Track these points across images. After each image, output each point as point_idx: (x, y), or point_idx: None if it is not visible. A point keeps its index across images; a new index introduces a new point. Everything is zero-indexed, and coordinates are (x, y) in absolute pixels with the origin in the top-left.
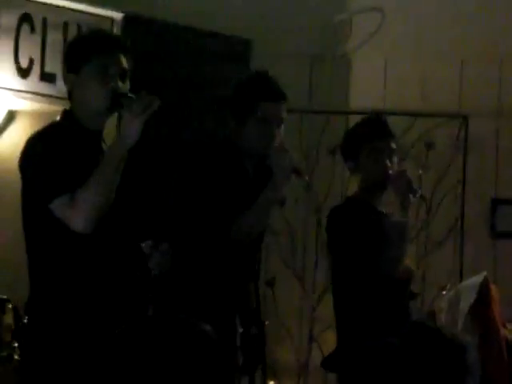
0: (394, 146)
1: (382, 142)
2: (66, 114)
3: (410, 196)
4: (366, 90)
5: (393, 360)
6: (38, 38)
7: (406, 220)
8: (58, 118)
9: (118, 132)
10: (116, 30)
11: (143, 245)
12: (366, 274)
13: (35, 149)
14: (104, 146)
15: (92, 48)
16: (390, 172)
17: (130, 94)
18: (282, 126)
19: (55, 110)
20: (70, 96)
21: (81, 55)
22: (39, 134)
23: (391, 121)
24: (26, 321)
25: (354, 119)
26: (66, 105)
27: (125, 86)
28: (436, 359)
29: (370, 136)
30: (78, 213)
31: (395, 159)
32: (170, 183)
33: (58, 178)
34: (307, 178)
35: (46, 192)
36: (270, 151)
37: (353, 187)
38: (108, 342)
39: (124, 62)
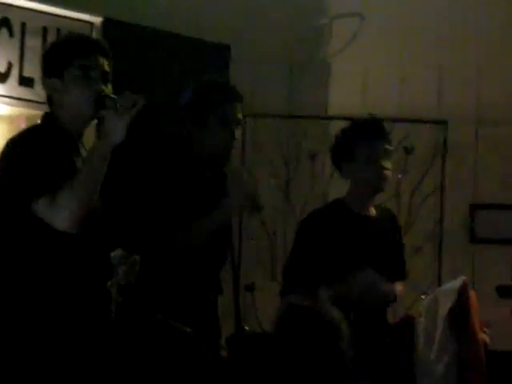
0: (389, 148)
1: (379, 144)
2: (46, 117)
3: None
4: (346, 94)
5: (269, 348)
6: (16, 43)
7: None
8: (39, 121)
9: (99, 132)
10: (95, 35)
11: (112, 255)
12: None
13: (15, 150)
14: (82, 150)
15: (73, 51)
16: (387, 174)
17: (113, 96)
18: (239, 128)
19: (34, 115)
20: (50, 100)
21: (61, 59)
22: (19, 137)
23: None
24: None
25: (334, 124)
26: (45, 109)
27: (107, 89)
28: (310, 339)
29: (366, 138)
30: (62, 211)
31: (390, 160)
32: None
33: (40, 178)
34: (262, 214)
35: (28, 192)
36: (229, 169)
37: (334, 192)
38: (75, 343)
39: (105, 65)
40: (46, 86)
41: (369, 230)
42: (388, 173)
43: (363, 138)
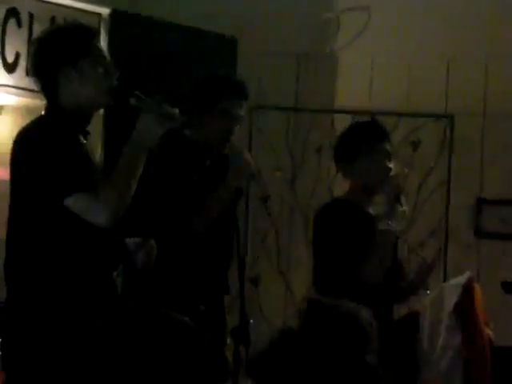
0: (390, 148)
1: (381, 143)
2: (51, 108)
3: (397, 206)
4: (353, 88)
5: (293, 345)
6: (24, 33)
7: (391, 229)
8: (43, 112)
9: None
10: (103, 26)
11: (128, 242)
12: (348, 278)
13: (38, 145)
14: (82, 139)
15: (87, 39)
16: (390, 174)
17: (141, 95)
18: (238, 125)
19: (41, 105)
20: (52, 89)
21: (78, 47)
22: (38, 130)
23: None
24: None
25: (340, 118)
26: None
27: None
28: (336, 335)
29: (369, 138)
30: (106, 208)
31: (392, 162)
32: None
33: (73, 174)
34: (263, 185)
35: (62, 188)
36: (228, 149)
37: (339, 185)
38: (91, 335)
39: (105, 50)
40: (51, 75)
41: (373, 226)
42: (391, 173)
43: (365, 137)
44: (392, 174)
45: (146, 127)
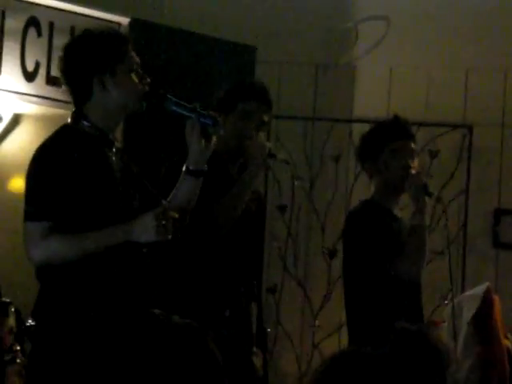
0: (414, 146)
1: (404, 142)
2: (77, 115)
3: (426, 198)
4: (371, 98)
5: (382, 368)
6: (44, 42)
7: (422, 224)
8: (69, 120)
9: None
10: None
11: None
12: (381, 280)
13: (39, 158)
14: (108, 152)
15: (123, 46)
16: (412, 172)
17: (171, 97)
18: (262, 129)
19: (60, 114)
20: (83, 98)
21: (114, 54)
22: (49, 142)
23: None
24: (31, 323)
25: (358, 127)
26: (72, 109)
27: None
28: (421, 364)
29: (392, 136)
30: (41, 250)
31: (416, 160)
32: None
33: (44, 200)
34: (285, 158)
35: (27, 208)
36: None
37: (356, 194)
38: (116, 343)
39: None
40: (86, 83)
41: (401, 229)
42: (413, 171)
43: (388, 136)
44: (413, 172)
45: (147, 229)
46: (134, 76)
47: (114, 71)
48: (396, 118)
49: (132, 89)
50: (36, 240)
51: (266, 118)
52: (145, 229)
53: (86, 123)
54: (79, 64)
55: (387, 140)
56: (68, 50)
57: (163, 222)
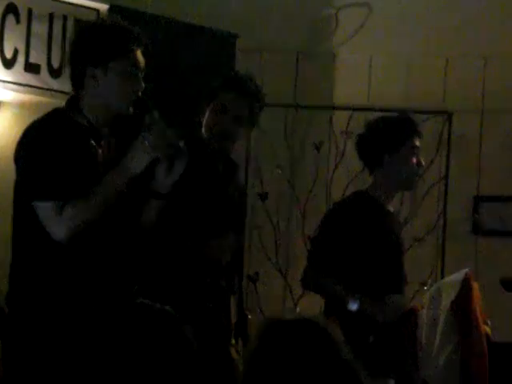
0: (418, 144)
1: (418, 140)
2: (71, 102)
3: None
4: (351, 85)
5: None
6: (23, 29)
7: None
8: (64, 104)
9: (125, 158)
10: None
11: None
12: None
13: (32, 139)
14: (94, 144)
15: (122, 43)
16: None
17: (154, 113)
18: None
19: (39, 101)
20: (79, 85)
21: (111, 50)
22: (39, 123)
23: (375, 117)
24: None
25: (339, 114)
26: (51, 96)
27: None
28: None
29: (411, 133)
30: (62, 225)
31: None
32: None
33: (50, 179)
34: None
35: (32, 192)
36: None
37: (337, 182)
38: (90, 332)
39: (142, 61)
40: (80, 72)
41: (393, 224)
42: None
43: (408, 133)
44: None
45: (134, 158)
46: (126, 78)
47: (105, 67)
48: (407, 114)
49: (118, 91)
50: (53, 218)
51: (243, 113)
52: (135, 153)
53: (76, 111)
54: (77, 50)
55: (410, 135)
56: (76, 34)
57: (149, 139)
